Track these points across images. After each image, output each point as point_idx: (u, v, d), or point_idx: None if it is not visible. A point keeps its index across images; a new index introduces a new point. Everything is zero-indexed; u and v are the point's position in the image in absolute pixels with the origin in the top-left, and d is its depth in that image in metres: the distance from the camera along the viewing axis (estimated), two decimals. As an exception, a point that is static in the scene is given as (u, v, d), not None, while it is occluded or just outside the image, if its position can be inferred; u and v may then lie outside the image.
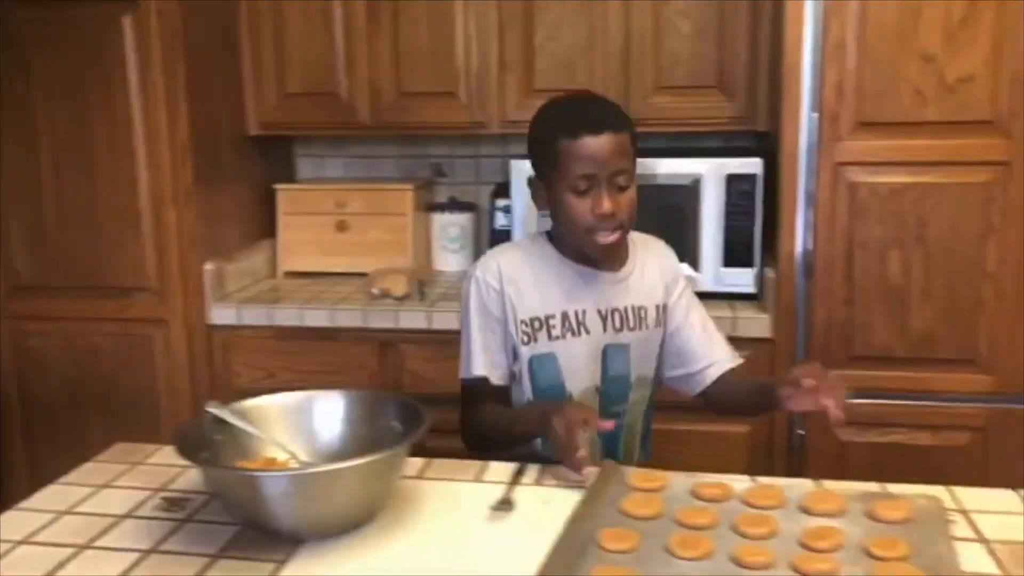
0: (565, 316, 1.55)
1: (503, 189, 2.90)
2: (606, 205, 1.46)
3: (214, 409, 1.29)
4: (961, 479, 1.41)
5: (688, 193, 2.39)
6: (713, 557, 1.14)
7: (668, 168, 2.42)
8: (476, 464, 1.45)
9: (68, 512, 1.30)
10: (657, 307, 1.61)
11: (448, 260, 2.91)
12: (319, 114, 2.70)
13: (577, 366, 1.56)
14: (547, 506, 1.30)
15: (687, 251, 2.39)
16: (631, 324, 1.58)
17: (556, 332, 1.55)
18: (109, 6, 2.37)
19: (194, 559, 1.16)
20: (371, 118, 2.67)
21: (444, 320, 2.41)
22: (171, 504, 1.31)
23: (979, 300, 2.14)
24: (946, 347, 2.18)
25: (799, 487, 1.33)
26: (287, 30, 2.65)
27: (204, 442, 1.26)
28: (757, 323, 2.30)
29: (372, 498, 1.22)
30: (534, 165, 1.58)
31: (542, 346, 1.55)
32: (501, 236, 2.86)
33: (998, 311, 2.14)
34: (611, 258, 1.58)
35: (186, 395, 2.56)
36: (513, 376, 1.59)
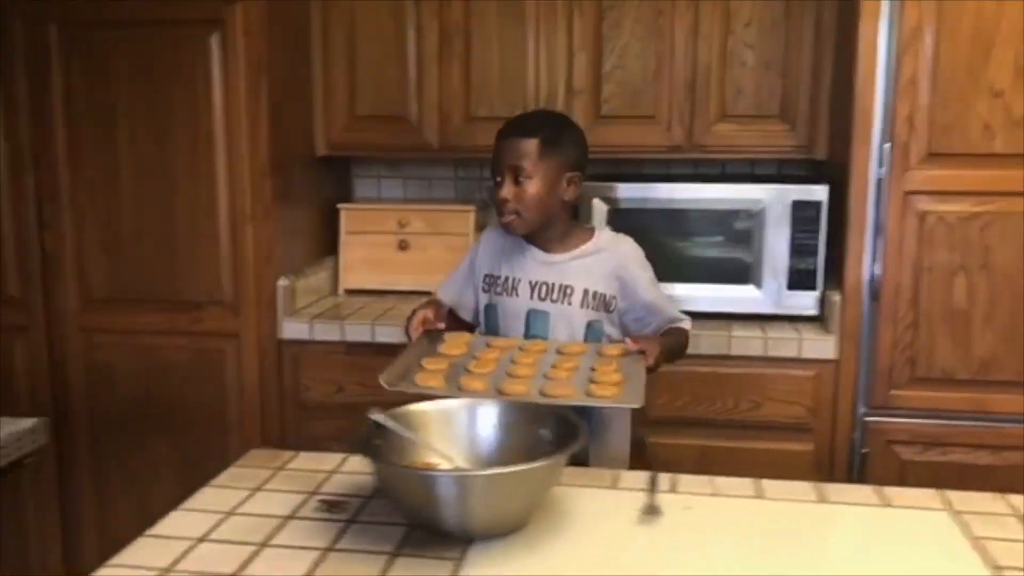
0: (506, 279, 1.93)
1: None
2: (501, 191, 1.83)
3: (376, 416, 1.34)
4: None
5: (752, 218, 2.48)
6: (495, 373, 1.63)
7: (733, 193, 2.51)
8: (608, 473, 1.51)
9: (233, 513, 1.34)
10: (587, 291, 1.87)
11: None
12: (387, 137, 2.77)
13: (508, 320, 1.93)
14: (691, 512, 1.36)
15: (751, 273, 2.49)
16: (553, 297, 1.89)
17: (498, 289, 1.93)
18: (197, 26, 2.44)
19: (373, 556, 1.21)
20: (439, 141, 2.75)
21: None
22: (331, 506, 1.36)
23: (1040, 325, 2.24)
24: (1006, 370, 2.27)
25: (558, 343, 1.82)
26: (360, 54, 2.73)
27: (366, 447, 1.31)
28: (822, 344, 2.38)
29: (535, 502, 1.28)
30: None
31: (491, 298, 1.95)
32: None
33: (1058, 336, 2.23)
34: (554, 242, 1.91)
35: (256, 408, 2.60)
36: (478, 313, 2.01)
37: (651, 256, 1.97)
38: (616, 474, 1.51)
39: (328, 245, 2.94)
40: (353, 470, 1.49)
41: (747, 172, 2.87)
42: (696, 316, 2.05)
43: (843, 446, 2.38)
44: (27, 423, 1.66)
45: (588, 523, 1.33)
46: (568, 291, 1.88)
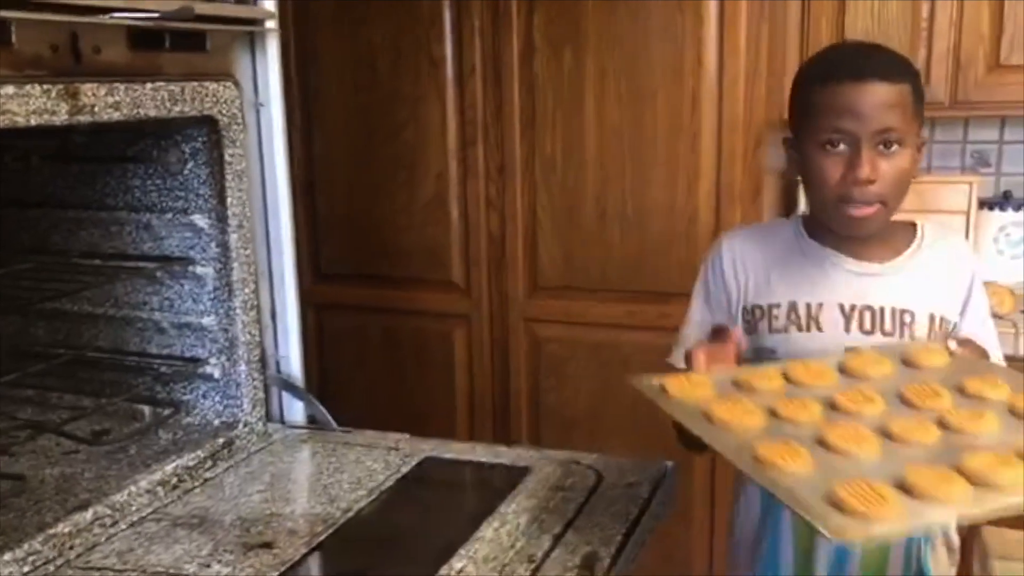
0: (793, 307, 1.30)
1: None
2: (863, 170, 1.18)
3: None
4: None
5: None
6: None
7: None
8: None
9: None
10: (934, 318, 1.28)
11: (1005, 268, 2.43)
12: (877, 92, 2.28)
13: None
14: None
15: None
16: (887, 329, 1.27)
17: (778, 324, 1.31)
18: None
19: None
20: (949, 96, 2.23)
21: None
22: None
23: None
24: None
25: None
26: (853, -8, 2.25)
27: None
28: None
29: None
30: (790, 123, 1.30)
31: (763, 339, 1.33)
32: (1085, 241, 2.35)
33: None
34: (872, 243, 1.29)
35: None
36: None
37: None
38: None
39: (780, 223, 2.51)
40: None
41: None
42: None
43: None
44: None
45: None
46: (907, 318, 1.27)
